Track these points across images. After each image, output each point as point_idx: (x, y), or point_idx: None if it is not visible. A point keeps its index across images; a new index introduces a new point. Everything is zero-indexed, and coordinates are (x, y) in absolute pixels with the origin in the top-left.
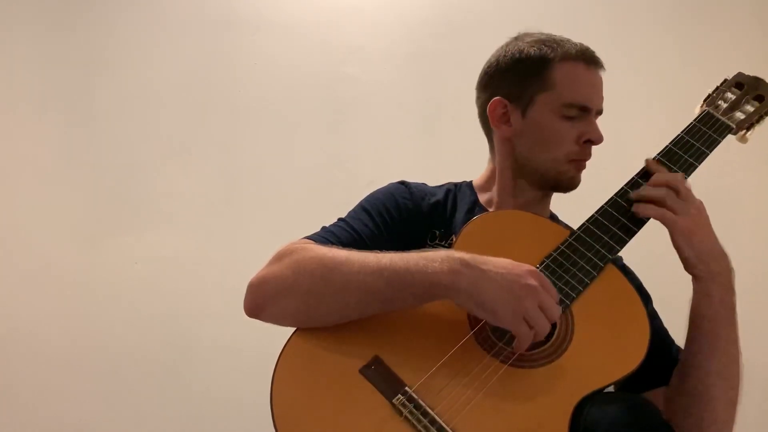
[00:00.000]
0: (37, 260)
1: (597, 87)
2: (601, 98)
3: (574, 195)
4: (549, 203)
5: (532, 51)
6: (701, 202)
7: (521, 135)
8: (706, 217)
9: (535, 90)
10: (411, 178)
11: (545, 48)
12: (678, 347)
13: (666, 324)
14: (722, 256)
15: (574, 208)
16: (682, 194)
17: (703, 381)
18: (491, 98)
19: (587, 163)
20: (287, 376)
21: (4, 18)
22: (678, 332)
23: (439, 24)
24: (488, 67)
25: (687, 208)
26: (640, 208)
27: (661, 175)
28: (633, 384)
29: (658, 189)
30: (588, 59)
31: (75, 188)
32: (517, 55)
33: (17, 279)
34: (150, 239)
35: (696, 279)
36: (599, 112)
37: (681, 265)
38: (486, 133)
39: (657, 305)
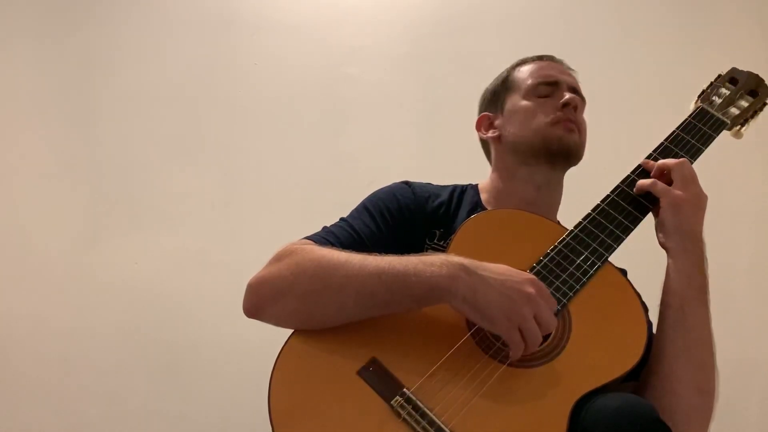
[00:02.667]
0: (37, 260)
1: (557, 68)
2: (571, 79)
3: (571, 194)
4: (560, 186)
5: (500, 74)
6: (706, 196)
7: (504, 128)
8: (703, 206)
9: (504, 95)
10: (411, 178)
11: (508, 67)
12: None
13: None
14: (699, 240)
15: (572, 207)
16: (689, 175)
17: (667, 360)
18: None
19: (586, 162)
20: (285, 378)
21: (5, 18)
22: None
23: (439, 24)
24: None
25: (689, 186)
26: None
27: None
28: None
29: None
30: (544, 57)
31: (75, 188)
32: (491, 85)
33: (17, 279)
34: (150, 239)
35: (668, 253)
36: (574, 90)
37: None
38: (486, 153)
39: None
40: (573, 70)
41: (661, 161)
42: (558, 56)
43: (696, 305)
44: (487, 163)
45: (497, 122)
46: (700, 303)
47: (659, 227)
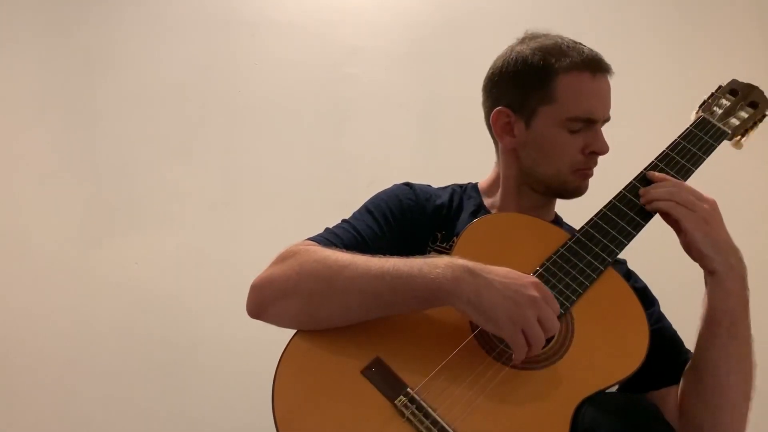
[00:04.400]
0: (37, 260)
1: (603, 96)
2: (608, 106)
3: (573, 199)
4: (553, 206)
5: (535, 60)
6: (714, 201)
7: (525, 146)
8: (719, 213)
9: (537, 102)
10: (411, 179)
11: (549, 57)
12: (687, 349)
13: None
14: (736, 251)
15: (575, 210)
16: (691, 191)
17: (721, 374)
18: (494, 106)
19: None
20: (289, 378)
21: (5, 18)
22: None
23: (439, 24)
24: (492, 72)
25: (698, 203)
26: (653, 205)
27: (666, 176)
28: (644, 383)
29: (667, 186)
30: (594, 67)
31: (75, 188)
32: (521, 63)
33: (17, 279)
34: (150, 239)
35: (713, 274)
36: (606, 120)
37: (682, 268)
38: (492, 136)
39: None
40: (612, 73)
41: (659, 188)
42: None
43: (744, 319)
44: (488, 162)
45: (517, 131)
46: (746, 316)
47: (695, 252)
